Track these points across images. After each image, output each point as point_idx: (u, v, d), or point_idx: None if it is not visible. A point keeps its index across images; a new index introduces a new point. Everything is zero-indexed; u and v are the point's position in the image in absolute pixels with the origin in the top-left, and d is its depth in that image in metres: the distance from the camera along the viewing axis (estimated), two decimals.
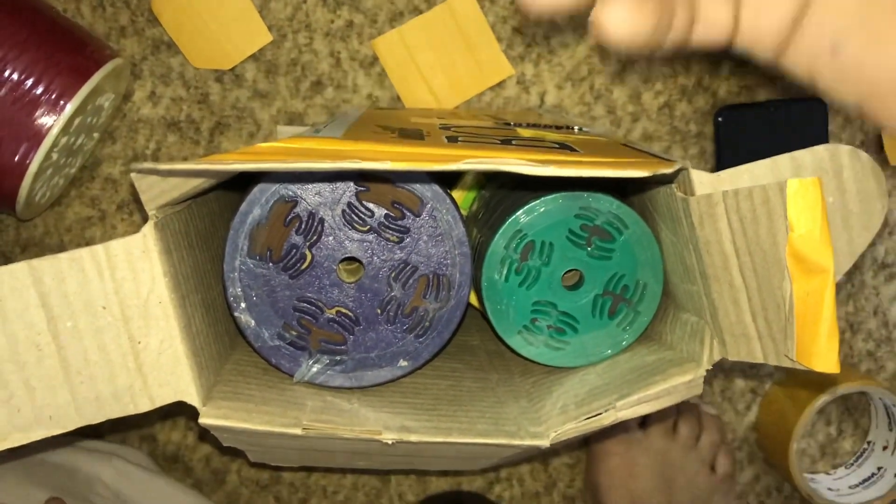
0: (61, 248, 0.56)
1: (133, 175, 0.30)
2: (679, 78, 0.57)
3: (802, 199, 0.27)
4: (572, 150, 0.34)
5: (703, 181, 0.32)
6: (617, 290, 0.39)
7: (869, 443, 0.61)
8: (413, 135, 0.36)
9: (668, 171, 0.30)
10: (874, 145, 0.58)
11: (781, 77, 0.57)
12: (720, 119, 0.57)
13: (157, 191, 0.31)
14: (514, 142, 0.36)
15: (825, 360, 0.28)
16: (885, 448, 0.59)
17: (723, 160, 0.57)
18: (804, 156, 0.31)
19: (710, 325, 0.34)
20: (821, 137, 0.57)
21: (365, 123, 0.39)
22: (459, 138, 0.36)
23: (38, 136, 0.46)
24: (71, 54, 0.47)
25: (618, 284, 0.39)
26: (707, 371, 0.34)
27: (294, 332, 0.36)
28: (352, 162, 0.27)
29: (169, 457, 0.58)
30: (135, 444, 0.58)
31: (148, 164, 0.29)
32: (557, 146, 0.35)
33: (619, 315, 0.39)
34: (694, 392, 0.34)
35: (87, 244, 0.56)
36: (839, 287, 0.59)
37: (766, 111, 0.57)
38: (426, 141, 0.34)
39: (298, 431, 0.32)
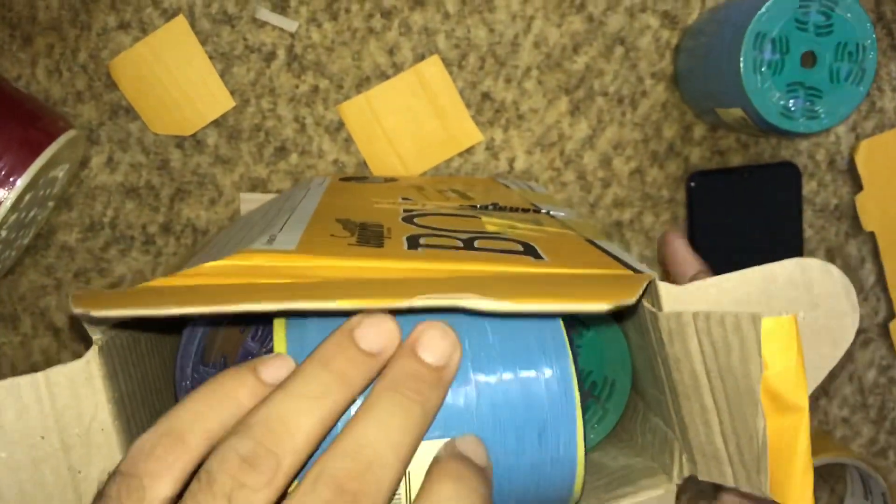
0: (15, 317, 0.54)
1: (72, 301, 0.28)
2: (650, 143, 0.56)
3: (778, 338, 0.26)
4: (537, 256, 0.33)
5: (671, 294, 0.30)
6: (585, 387, 0.38)
7: None
8: (373, 237, 0.34)
9: (631, 300, 0.29)
10: (848, 210, 0.57)
11: (755, 143, 0.56)
12: (692, 184, 0.56)
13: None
14: (476, 243, 0.34)
15: (800, 497, 0.27)
16: None
17: (695, 226, 0.56)
18: (774, 269, 0.30)
19: (678, 439, 0.33)
20: (794, 203, 0.57)
21: (324, 217, 0.38)
22: (421, 240, 0.34)
23: None
24: (22, 128, 0.45)
25: (586, 380, 0.38)
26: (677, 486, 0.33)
27: None
28: (300, 302, 0.26)
29: None
30: None
31: (81, 311, 0.27)
32: (522, 250, 0.34)
33: (587, 412, 0.38)
34: (670, 500, 0.33)
35: (42, 314, 0.54)
36: None
37: (738, 177, 0.56)
38: (385, 249, 0.32)
39: None
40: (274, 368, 0.27)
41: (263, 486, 0.23)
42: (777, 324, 0.26)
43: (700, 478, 0.32)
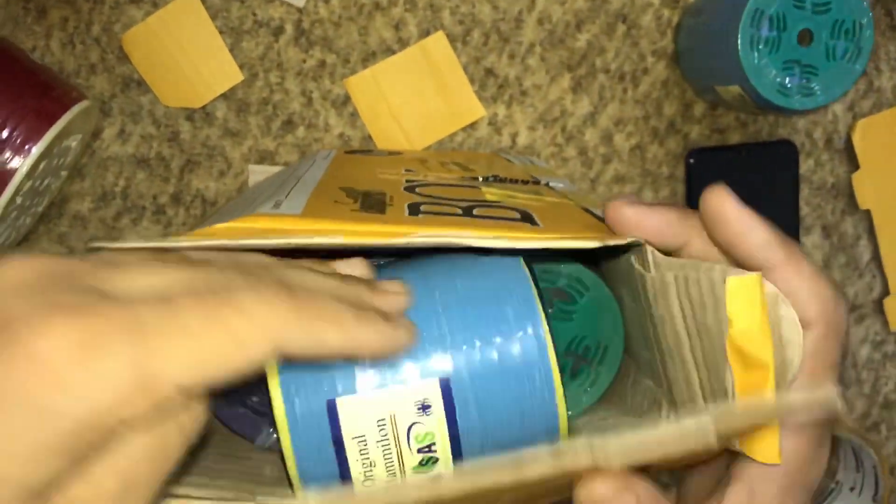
0: None
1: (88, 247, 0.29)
2: (651, 120, 0.57)
3: (742, 297, 0.27)
4: (533, 223, 0.34)
5: (658, 257, 0.32)
6: (579, 351, 0.39)
7: (837, 482, 0.61)
8: (375, 204, 0.36)
9: (620, 242, 0.30)
10: (845, 188, 0.58)
11: (754, 121, 0.57)
12: (691, 161, 0.57)
13: None
14: (475, 211, 0.36)
15: (766, 452, 0.28)
16: (851, 489, 0.60)
17: (693, 202, 0.57)
18: None
19: (665, 397, 0.34)
20: (791, 180, 0.58)
21: (329, 186, 0.39)
22: (422, 207, 0.36)
23: (1, 181, 0.46)
24: (37, 98, 0.47)
25: (579, 345, 0.39)
26: None
27: (256, 399, 0.36)
28: (303, 237, 0.28)
29: None
30: None
31: (101, 244, 0.29)
32: (519, 217, 0.35)
33: (580, 376, 0.39)
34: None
35: None
36: None
37: (737, 154, 0.57)
38: (386, 215, 0.34)
39: None
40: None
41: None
42: (741, 283, 0.27)
43: None
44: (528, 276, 0.32)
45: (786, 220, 0.58)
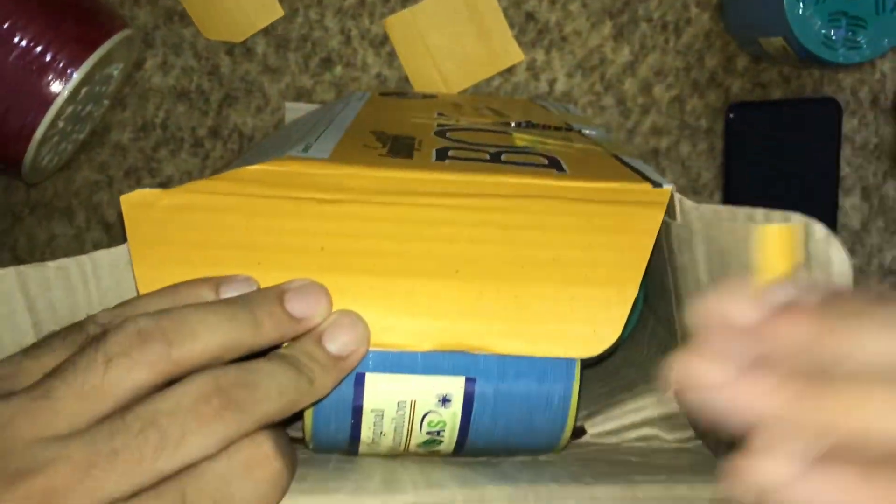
0: (69, 211, 0.57)
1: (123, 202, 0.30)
2: (692, 72, 0.56)
3: (774, 246, 0.27)
4: (560, 169, 0.34)
5: (686, 205, 0.31)
6: None
7: None
8: (403, 148, 0.36)
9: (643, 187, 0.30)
10: (888, 149, 0.57)
11: (797, 76, 0.56)
12: (731, 115, 0.56)
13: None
14: (503, 157, 0.36)
15: None
16: None
17: (732, 157, 0.56)
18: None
19: (680, 346, 0.34)
20: (833, 139, 0.56)
21: (359, 130, 0.39)
22: (450, 151, 0.36)
23: (44, 104, 0.47)
24: (80, 24, 0.47)
25: None
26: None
27: None
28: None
29: None
30: None
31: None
32: (546, 163, 0.35)
33: None
34: (667, 408, 0.35)
35: (95, 208, 0.57)
36: None
37: (778, 110, 0.56)
38: (413, 160, 0.34)
39: None
40: (232, 287, 0.29)
41: (144, 365, 0.25)
42: (776, 231, 0.27)
43: None
44: None
45: (825, 180, 0.57)
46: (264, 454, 0.25)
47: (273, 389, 0.26)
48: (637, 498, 0.28)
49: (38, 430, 0.24)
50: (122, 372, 0.24)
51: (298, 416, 0.30)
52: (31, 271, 0.30)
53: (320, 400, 0.29)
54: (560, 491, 0.29)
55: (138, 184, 0.57)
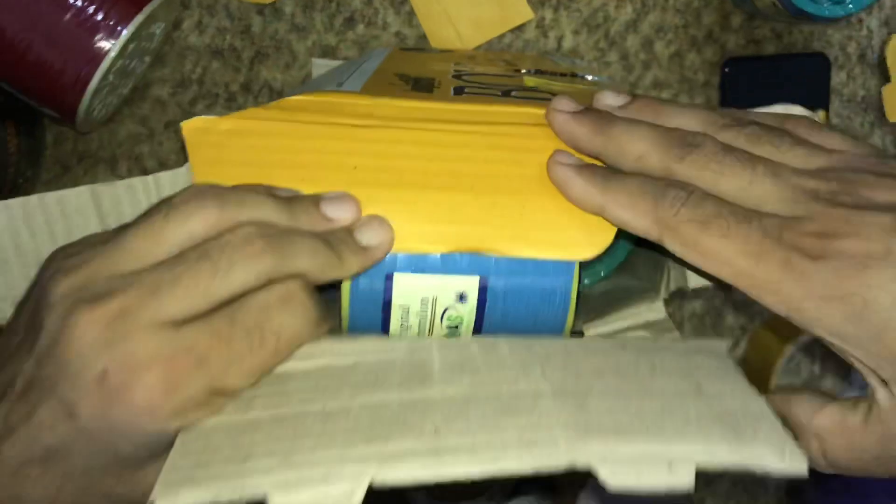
0: (113, 160, 0.61)
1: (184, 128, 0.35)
2: (690, 29, 0.60)
3: None
4: None
5: None
6: None
7: (849, 383, 0.66)
8: (424, 86, 0.40)
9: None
10: (875, 102, 0.61)
11: (789, 33, 0.60)
12: (727, 70, 0.60)
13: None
14: (514, 93, 0.40)
15: None
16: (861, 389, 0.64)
17: (727, 107, 0.60)
18: None
19: (671, 259, 0.39)
20: (822, 92, 0.61)
21: (385, 73, 0.44)
22: (466, 89, 0.40)
23: (97, 58, 0.51)
24: None
25: None
26: (666, 300, 0.39)
27: None
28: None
29: None
30: None
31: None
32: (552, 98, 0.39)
33: None
34: (657, 315, 0.39)
35: (136, 159, 0.62)
36: None
37: (771, 64, 0.60)
38: (434, 94, 0.38)
39: None
40: (280, 193, 0.34)
41: (199, 218, 0.30)
42: None
43: (689, 286, 0.38)
44: None
45: None
46: (297, 292, 0.30)
47: (307, 251, 0.31)
48: (625, 347, 0.32)
49: (114, 267, 0.29)
50: (180, 221, 0.30)
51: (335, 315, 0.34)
52: (103, 189, 0.35)
53: (349, 284, 0.34)
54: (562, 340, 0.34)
55: (177, 135, 0.62)
